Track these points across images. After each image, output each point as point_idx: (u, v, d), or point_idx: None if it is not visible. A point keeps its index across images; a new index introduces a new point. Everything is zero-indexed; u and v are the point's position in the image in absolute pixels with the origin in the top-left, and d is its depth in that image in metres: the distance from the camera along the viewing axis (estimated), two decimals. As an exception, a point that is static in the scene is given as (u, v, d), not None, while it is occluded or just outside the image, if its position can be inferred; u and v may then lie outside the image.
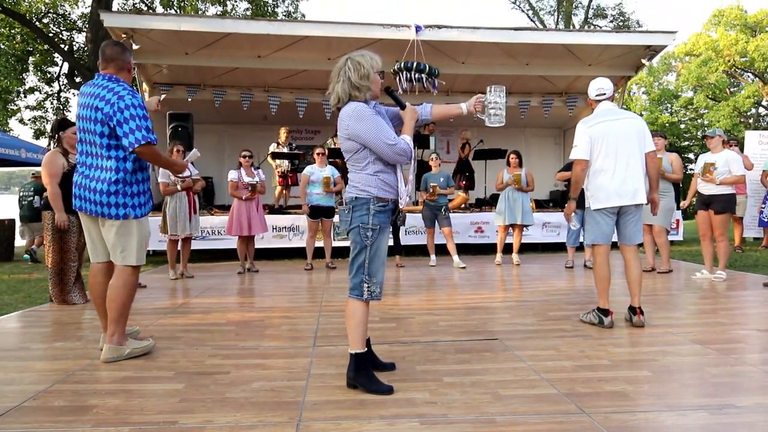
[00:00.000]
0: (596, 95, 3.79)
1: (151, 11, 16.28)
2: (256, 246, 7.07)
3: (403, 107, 2.66)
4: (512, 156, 6.96)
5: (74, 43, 16.80)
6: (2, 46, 15.64)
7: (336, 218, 7.05)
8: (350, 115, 2.42)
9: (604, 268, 3.69)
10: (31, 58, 16.56)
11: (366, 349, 2.54)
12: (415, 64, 7.45)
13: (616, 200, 3.58)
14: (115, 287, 2.95)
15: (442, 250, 7.07)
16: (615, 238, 3.74)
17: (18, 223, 9.19)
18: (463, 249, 7.38)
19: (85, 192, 2.92)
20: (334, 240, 7.32)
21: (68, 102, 18.31)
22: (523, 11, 26.35)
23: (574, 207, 3.90)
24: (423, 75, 7.49)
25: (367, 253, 2.45)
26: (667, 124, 24.99)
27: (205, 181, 7.04)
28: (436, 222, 6.92)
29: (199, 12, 17.29)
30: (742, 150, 9.24)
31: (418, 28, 8.01)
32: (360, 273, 2.46)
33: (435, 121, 3.03)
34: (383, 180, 2.47)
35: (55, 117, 16.74)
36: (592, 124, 3.65)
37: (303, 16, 19.50)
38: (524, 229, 7.42)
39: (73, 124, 4.69)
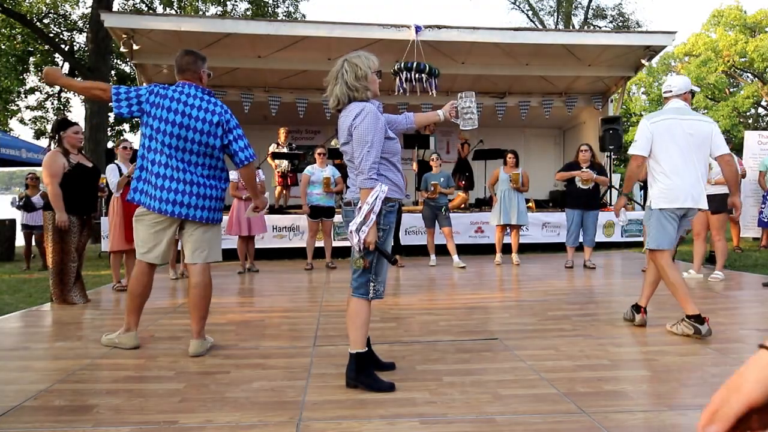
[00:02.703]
0: (664, 92, 3.70)
1: (151, 12, 16.29)
2: (257, 246, 7.07)
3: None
4: (510, 155, 6.97)
5: (75, 43, 16.82)
6: (3, 47, 15.64)
7: (337, 218, 7.06)
8: (356, 113, 2.39)
9: (676, 273, 3.40)
10: (31, 59, 16.57)
11: (366, 348, 2.54)
12: (415, 64, 7.46)
13: (689, 202, 3.39)
14: (205, 285, 3.08)
15: (442, 250, 7.07)
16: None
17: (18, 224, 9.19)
18: (463, 249, 7.38)
19: (195, 200, 3.00)
20: (334, 240, 7.32)
21: (69, 102, 18.33)
22: (522, 11, 26.36)
23: (624, 202, 3.77)
24: (423, 75, 7.49)
25: (375, 253, 2.44)
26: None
27: None
28: (436, 222, 6.93)
29: (199, 12, 17.30)
30: (741, 150, 9.25)
31: (417, 29, 8.01)
32: (366, 272, 2.45)
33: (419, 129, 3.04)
34: (391, 180, 2.46)
35: (55, 117, 16.76)
36: (655, 120, 3.49)
37: (303, 16, 19.52)
38: (522, 228, 7.43)
39: (74, 124, 4.70)
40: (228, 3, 18.14)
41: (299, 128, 11.46)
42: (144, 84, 9.20)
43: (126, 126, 18.67)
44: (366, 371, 2.48)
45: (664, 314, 3.98)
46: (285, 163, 8.86)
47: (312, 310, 4.30)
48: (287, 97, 9.82)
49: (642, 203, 9.31)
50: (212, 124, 2.97)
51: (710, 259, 6.19)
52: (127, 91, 2.99)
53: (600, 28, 24.37)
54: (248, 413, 2.22)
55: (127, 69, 16.02)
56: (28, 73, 16.80)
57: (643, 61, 9.32)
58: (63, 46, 16.06)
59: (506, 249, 7.19)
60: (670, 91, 3.63)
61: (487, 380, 2.59)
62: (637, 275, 5.93)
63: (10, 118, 17.11)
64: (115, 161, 5.44)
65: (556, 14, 25.78)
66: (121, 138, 15.03)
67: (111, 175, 5.28)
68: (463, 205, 9.01)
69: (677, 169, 3.41)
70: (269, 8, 18.65)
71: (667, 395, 2.37)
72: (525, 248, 7.82)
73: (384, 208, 2.43)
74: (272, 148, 8.80)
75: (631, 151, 3.57)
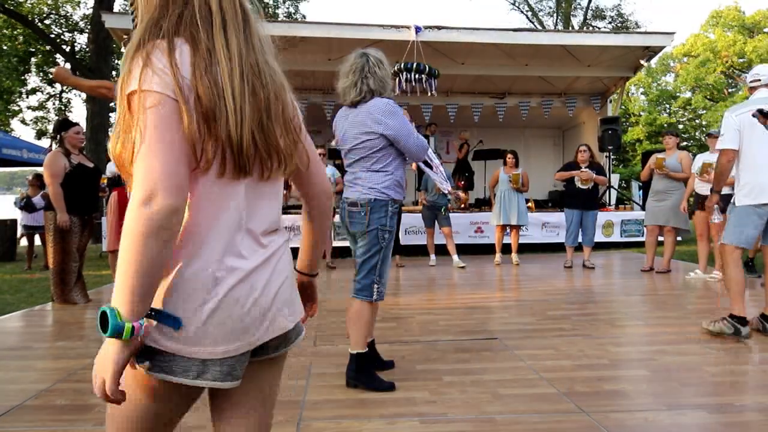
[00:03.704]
0: (750, 81, 3.49)
1: (151, 12, 16.30)
2: (257, 246, 7.07)
3: None
4: (509, 156, 6.98)
5: (76, 44, 16.83)
6: (4, 47, 15.66)
7: (336, 218, 7.06)
8: (383, 111, 2.38)
9: (738, 271, 3.25)
10: (33, 59, 16.58)
11: (367, 349, 2.55)
12: (414, 64, 7.47)
13: None
14: None
15: (441, 250, 7.08)
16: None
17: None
18: (463, 249, 7.39)
19: None
20: (334, 240, 7.33)
21: (70, 102, 18.35)
22: (522, 12, 26.38)
23: (717, 199, 3.57)
24: (423, 76, 7.50)
25: (381, 255, 2.45)
26: (665, 125, 25.03)
27: None
28: (436, 222, 6.94)
29: (200, 13, 17.31)
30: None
31: (417, 29, 8.03)
32: (371, 274, 2.45)
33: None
34: (398, 182, 2.49)
35: (57, 117, 16.77)
36: (741, 111, 3.32)
37: (303, 16, 19.54)
38: (522, 228, 7.44)
39: (75, 124, 4.71)
40: (228, 3, 18.15)
41: (299, 129, 11.45)
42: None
43: (126, 126, 18.67)
44: (366, 371, 2.49)
45: (665, 314, 4.00)
46: (285, 164, 8.86)
47: (312, 310, 4.31)
48: (287, 98, 9.82)
49: (642, 203, 9.32)
50: None
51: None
52: None
53: (599, 28, 24.40)
54: (249, 412, 2.22)
55: (128, 69, 16.00)
56: (29, 74, 16.82)
57: (642, 62, 9.33)
58: (64, 46, 16.07)
59: (506, 249, 7.20)
60: (759, 80, 3.41)
61: (486, 380, 2.59)
62: (636, 275, 5.94)
63: (12, 119, 17.12)
64: None
65: (555, 15, 25.80)
66: (122, 138, 15.02)
67: (112, 168, 5.39)
68: (463, 206, 9.02)
69: (762, 163, 3.21)
70: (269, 9, 18.66)
71: (666, 395, 2.38)
72: (524, 248, 7.83)
73: (390, 209, 2.45)
74: (272, 148, 8.81)
75: (719, 145, 3.36)
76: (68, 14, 16.79)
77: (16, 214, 9.17)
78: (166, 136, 0.77)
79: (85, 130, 6.04)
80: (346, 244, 8.41)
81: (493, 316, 4.03)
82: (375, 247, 2.44)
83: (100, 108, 12.55)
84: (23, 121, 17.72)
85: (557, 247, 8.12)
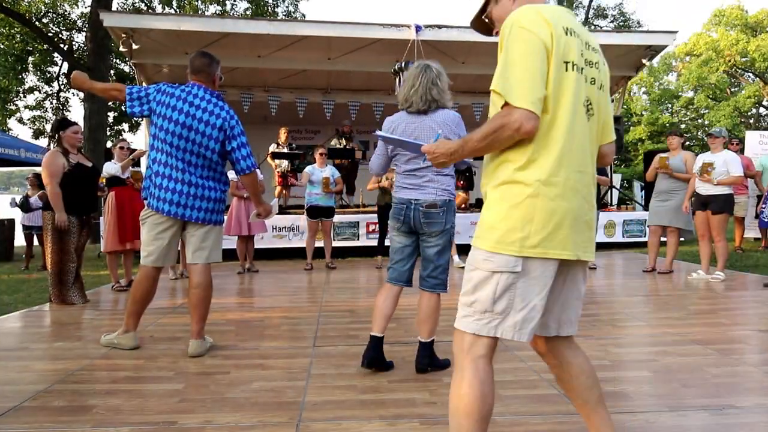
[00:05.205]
0: None
1: (150, 11, 16.28)
2: (256, 246, 7.06)
3: None
4: None
5: (74, 42, 16.80)
6: (2, 46, 15.63)
7: (336, 218, 7.04)
8: (458, 124, 2.64)
9: None
10: (30, 58, 16.55)
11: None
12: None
13: None
14: (206, 286, 3.09)
15: (442, 250, 7.06)
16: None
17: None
18: (464, 249, 7.36)
19: (193, 200, 3.01)
20: (334, 240, 7.31)
21: (68, 102, 18.31)
22: (523, 11, 26.33)
23: None
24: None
25: (450, 250, 2.72)
26: (667, 125, 25.01)
27: None
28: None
29: (199, 12, 17.29)
30: (743, 150, 9.24)
31: (418, 28, 8.01)
32: (447, 270, 2.73)
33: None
34: (454, 182, 2.76)
35: (54, 117, 16.76)
36: None
37: (303, 15, 19.50)
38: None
39: (74, 123, 4.69)
40: (227, 2, 18.12)
41: (299, 128, 11.46)
42: (144, 83, 9.20)
43: (125, 126, 18.67)
44: (435, 355, 2.74)
45: (667, 315, 3.98)
46: (285, 163, 8.85)
47: (312, 310, 4.29)
48: (287, 97, 9.82)
49: (644, 203, 9.30)
50: (215, 127, 2.97)
51: None
52: (139, 90, 3.04)
53: (601, 27, 24.37)
54: (248, 414, 2.21)
55: (127, 68, 16.00)
56: (26, 73, 16.78)
57: (643, 61, 9.31)
58: (62, 45, 16.04)
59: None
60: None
61: (487, 381, 2.57)
62: (637, 275, 5.92)
63: (9, 118, 17.10)
64: (112, 161, 5.44)
65: (556, 14, 25.73)
66: (119, 138, 15.02)
67: (110, 169, 5.33)
68: (463, 205, 9.00)
69: None
70: (269, 8, 18.63)
71: (667, 396, 2.37)
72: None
73: (454, 208, 2.72)
74: (272, 147, 8.79)
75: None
76: (66, 13, 16.76)
77: (15, 214, 9.15)
78: None
79: (83, 130, 6.01)
80: (346, 244, 8.39)
81: (493, 317, 4.01)
82: (448, 244, 2.69)
83: (98, 107, 12.52)
84: (20, 121, 17.70)
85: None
